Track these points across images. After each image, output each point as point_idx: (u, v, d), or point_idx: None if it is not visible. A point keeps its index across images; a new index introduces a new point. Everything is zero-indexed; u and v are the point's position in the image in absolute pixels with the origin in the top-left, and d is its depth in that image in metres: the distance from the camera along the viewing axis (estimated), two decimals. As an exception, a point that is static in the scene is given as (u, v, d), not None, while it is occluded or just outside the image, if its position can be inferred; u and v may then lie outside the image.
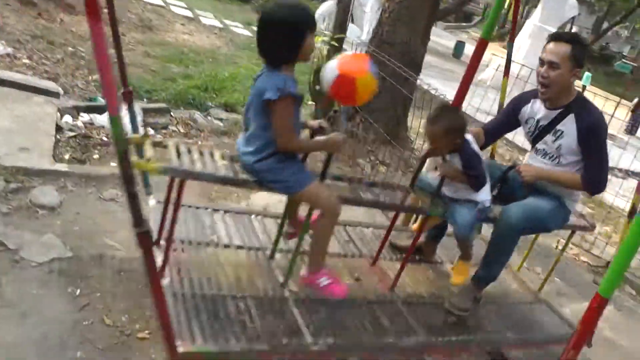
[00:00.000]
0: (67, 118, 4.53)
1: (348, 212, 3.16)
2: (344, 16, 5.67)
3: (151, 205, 2.84)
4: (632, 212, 3.09)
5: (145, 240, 1.78)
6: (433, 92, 5.36)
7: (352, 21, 16.18)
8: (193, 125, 5.53)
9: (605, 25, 31.95)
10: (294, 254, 2.60)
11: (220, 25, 12.40)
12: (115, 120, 1.65)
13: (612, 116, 16.18)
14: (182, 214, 2.69)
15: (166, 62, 7.93)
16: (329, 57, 5.66)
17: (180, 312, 2.18)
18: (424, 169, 3.17)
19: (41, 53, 6.48)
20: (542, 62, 2.91)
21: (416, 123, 5.94)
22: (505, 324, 3.16)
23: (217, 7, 14.66)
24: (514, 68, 4.96)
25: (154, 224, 2.51)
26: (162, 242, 2.44)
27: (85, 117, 4.68)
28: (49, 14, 8.41)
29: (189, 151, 2.41)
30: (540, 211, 2.93)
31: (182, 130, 5.32)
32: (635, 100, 18.73)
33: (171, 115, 5.50)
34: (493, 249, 2.98)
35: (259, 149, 2.27)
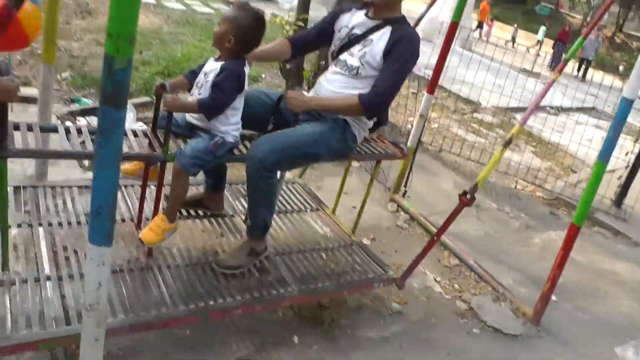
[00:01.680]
0: (68, 124, 4.73)
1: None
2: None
3: None
4: (507, 142, 3.12)
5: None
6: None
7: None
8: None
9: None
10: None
11: (153, 2, 12.27)
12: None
13: (537, 54, 17.16)
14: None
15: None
16: (295, 37, 6.03)
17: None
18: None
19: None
20: None
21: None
22: (296, 274, 2.81)
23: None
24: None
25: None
26: None
27: (82, 121, 4.89)
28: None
29: None
30: (299, 139, 2.59)
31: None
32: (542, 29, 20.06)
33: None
34: (250, 192, 2.59)
35: None
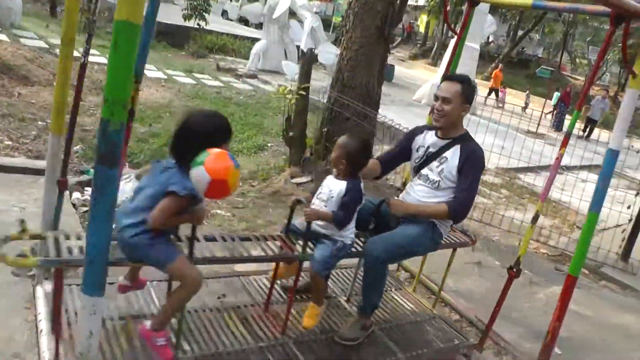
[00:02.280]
0: (76, 194, 4.91)
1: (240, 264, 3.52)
2: (308, 67, 6.28)
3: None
4: (535, 218, 3.50)
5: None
6: (390, 122, 6.08)
7: (286, 57, 16.94)
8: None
9: (519, 32, 34.25)
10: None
11: (165, 77, 12.78)
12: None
13: (540, 117, 17.40)
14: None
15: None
16: (297, 105, 6.29)
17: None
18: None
19: (17, 132, 6.77)
20: (436, 97, 3.27)
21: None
22: (400, 344, 3.33)
23: (154, 58, 14.99)
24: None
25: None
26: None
27: (89, 190, 5.05)
28: (5, 88, 8.64)
29: (67, 238, 2.53)
30: (402, 240, 3.16)
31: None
32: (555, 94, 20.37)
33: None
34: (366, 280, 3.20)
35: (139, 223, 2.39)
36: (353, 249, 3.21)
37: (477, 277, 4.86)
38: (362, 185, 3.08)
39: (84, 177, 5.42)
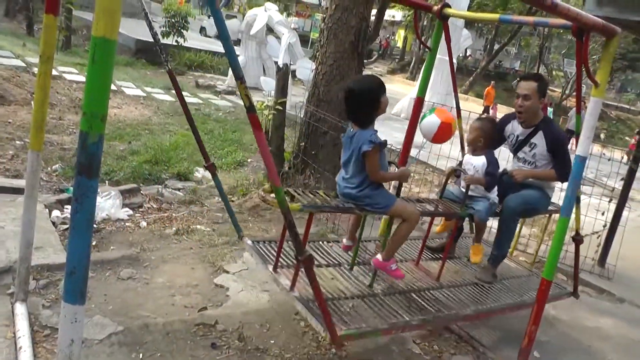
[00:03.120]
0: (56, 212, 4.89)
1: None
2: (284, 81, 6.36)
3: (248, 244, 3.71)
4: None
5: (309, 261, 2.52)
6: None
7: (265, 74, 17.05)
8: (162, 200, 5.99)
9: (496, 46, 34.84)
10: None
11: (144, 94, 12.78)
12: (279, 190, 2.43)
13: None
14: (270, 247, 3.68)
15: (109, 141, 8.20)
16: (274, 120, 6.35)
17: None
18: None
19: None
20: (518, 95, 3.98)
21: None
22: (517, 292, 4.18)
23: (133, 76, 15.03)
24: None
25: (260, 257, 3.52)
26: (278, 270, 3.36)
27: (69, 208, 5.04)
28: (-20, 108, 8.57)
29: (303, 192, 3.26)
30: (530, 198, 4.01)
31: (155, 206, 5.77)
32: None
33: (141, 194, 5.93)
34: (501, 231, 4.04)
35: (359, 184, 3.12)
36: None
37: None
38: (494, 153, 3.97)
39: (64, 195, 5.41)
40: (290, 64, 10.57)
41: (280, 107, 6.23)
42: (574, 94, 29.51)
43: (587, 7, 5.79)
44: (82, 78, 12.50)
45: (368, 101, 3.05)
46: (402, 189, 3.90)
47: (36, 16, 19.00)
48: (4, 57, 12.88)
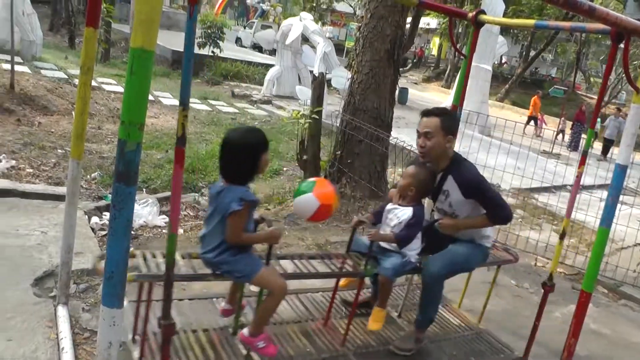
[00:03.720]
0: (95, 219, 5.02)
1: (299, 282, 3.65)
2: (320, 90, 6.40)
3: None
4: (562, 235, 3.52)
5: (168, 331, 2.19)
6: (402, 144, 6.14)
7: (300, 83, 17.17)
8: (198, 207, 6.08)
9: (532, 52, 34.35)
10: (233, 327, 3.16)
11: (181, 104, 12.99)
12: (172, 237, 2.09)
13: (556, 134, 17.28)
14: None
15: (146, 149, 8.39)
16: (310, 129, 6.39)
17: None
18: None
19: (38, 160, 6.94)
20: (418, 134, 3.35)
21: (397, 176, 6.73)
22: (451, 356, 3.58)
23: (170, 86, 15.30)
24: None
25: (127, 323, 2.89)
26: (137, 337, 2.83)
27: (107, 215, 5.16)
28: (27, 118, 8.88)
29: (154, 256, 2.76)
30: (457, 257, 3.41)
31: (191, 213, 5.86)
32: (563, 120, 20.19)
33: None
34: (424, 295, 3.45)
35: (217, 246, 2.65)
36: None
37: (493, 296, 4.83)
38: (424, 211, 3.42)
39: (102, 202, 5.55)
40: (326, 73, 10.64)
41: (316, 116, 6.26)
42: (613, 100, 28.66)
43: (627, 10, 5.68)
44: (120, 89, 12.82)
45: (245, 157, 2.64)
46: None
47: (77, 30, 19.58)
48: (47, 69, 13.31)
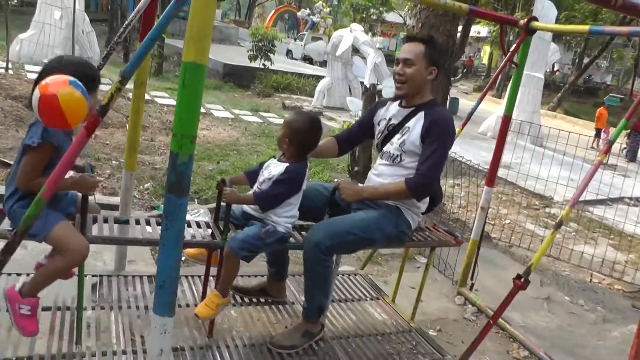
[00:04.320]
0: (148, 228, 5.12)
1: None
2: (371, 101, 6.38)
3: None
4: (558, 224, 3.06)
5: None
6: (453, 155, 6.05)
7: (351, 94, 17.21)
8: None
9: (585, 59, 33.38)
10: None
11: (232, 116, 13.23)
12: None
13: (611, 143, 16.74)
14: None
15: (198, 161, 8.55)
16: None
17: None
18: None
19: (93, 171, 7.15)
20: (397, 61, 2.93)
21: (449, 190, 6.62)
22: (353, 357, 2.94)
23: (222, 99, 15.61)
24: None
25: None
26: None
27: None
28: (84, 131, 9.17)
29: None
30: (353, 225, 2.76)
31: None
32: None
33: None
34: (308, 275, 2.78)
35: (10, 195, 2.25)
36: (293, 240, 2.86)
37: (546, 312, 4.70)
38: (307, 170, 2.79)
39: (154, 212, 5.68)
40: (377, 84, 10.61)
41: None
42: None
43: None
44: (173, 102, 13.13)
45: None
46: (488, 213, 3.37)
47: (132, 46, 20.21)
48: (103, 83, 13.62)
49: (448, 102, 8.32)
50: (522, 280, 2.79)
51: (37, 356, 2.46)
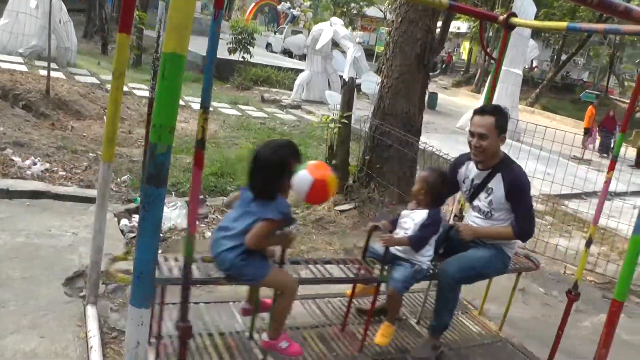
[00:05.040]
0: (124, 221, 5.10)
1: (317, 287, 3.64)
2: (349, 95, 6.40)
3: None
4: (589, 242, 3.44)
5: (185, 334, 2.21)
6: (431, 149, 6.10)
7: (330, 88, 17.20)
8: (226, 211, 6.12)
9: (563, 56, 33.79)
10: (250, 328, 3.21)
11: (210, 109, 13.11)
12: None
13: (586, 142, 16.84)
14: (167, 313, 2.97)
15: (176, 154, 8.46)
16: (339, 134, 6.40)
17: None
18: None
19: (70, 163, 7.09)
20: (472, 134, 3.29)
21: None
22: None
23: (200, 91, 15.46)
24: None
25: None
26: (152, 340, 2.77)
27: (137, 218, 5.24)
28: (60, 122, 9.09)
29: (165, 260, 2.78)
30: (475, 262, 3.33)
31: (220, 217, 5.90)
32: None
33: (207, 205, 6.10)
34: (439, 300, 3.37)
35: (234, 247, 2.62)
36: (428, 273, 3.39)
37: (521, 303, 4.78)
38: (441, 215, 3.32)
39: (132, 205, 5.64)
40: (356, 78, 10.62)
41: (345, 121, 6.27)
42: (650, 106, 27.82)
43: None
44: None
45: (277, 172, 2.65)
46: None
47: (110, 37, 19.93)
48: (81, 75, 13.59)
49: (427, 97, 8.41)
50: (573, 293, 3.53)
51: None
